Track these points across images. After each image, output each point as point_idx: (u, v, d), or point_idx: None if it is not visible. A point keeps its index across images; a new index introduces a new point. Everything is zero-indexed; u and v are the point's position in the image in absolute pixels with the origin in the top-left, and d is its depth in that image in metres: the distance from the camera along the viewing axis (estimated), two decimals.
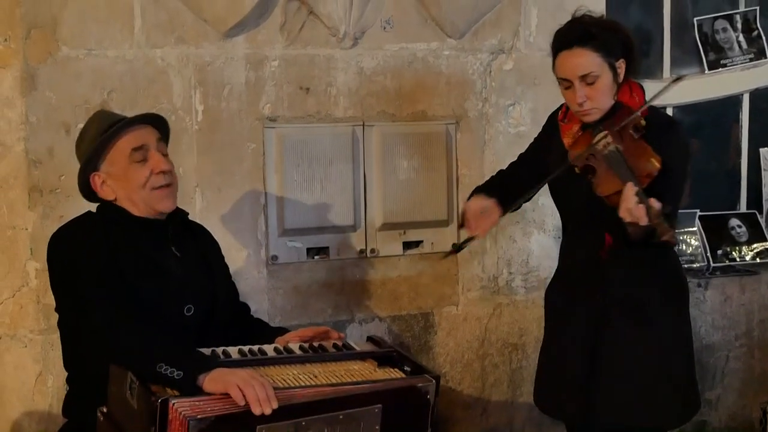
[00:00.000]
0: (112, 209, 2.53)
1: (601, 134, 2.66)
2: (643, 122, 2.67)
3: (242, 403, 2.10)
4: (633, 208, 2.44)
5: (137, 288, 2.39)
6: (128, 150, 2.48)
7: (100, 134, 2.49)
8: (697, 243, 4.32)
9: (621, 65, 2.70)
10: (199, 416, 2.04)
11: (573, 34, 2.69)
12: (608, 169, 2.62)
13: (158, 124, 2.60)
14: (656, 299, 2.76)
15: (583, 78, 2.66)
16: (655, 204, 2.43)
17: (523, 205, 2.99)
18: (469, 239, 2.83)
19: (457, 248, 2.94)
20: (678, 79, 2.73)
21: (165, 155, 2.55)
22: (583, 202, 2.70)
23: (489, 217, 2.79)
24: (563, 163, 2.72)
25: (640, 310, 2.75)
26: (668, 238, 2.42)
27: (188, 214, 2.69)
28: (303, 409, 2.15)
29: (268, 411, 2.09)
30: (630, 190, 2.47)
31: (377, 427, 2.23)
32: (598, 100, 2.69)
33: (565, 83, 2.71)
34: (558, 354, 2.91)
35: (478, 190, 2.93)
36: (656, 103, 2.77)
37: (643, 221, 2.43)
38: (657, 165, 2.58)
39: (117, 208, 2.52)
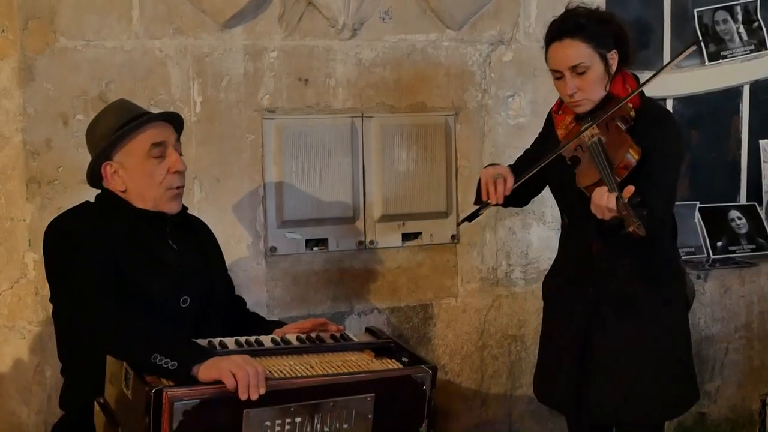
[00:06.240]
0: (112, 199, 2.52)
1: (587, 125, 2.67)
2: (632, 113, 2.66)
3: (234, 389, 2.10)
4: (603, 201, 2.44)
5: (133, 279, 2.39)
6: (148, 144, 2.48)
7: (120, 124, 2.48)
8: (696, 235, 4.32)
9: (613, 56, 2.70)
10: (184, 398, 2.04)
11: (564, 26, 2.70)
12: (590, 160, 2.61)
13: (177, 124, 2.60)
14: (648, 292, 2.75)
15: (573, 69, 2.66)
16: (626, 194, 2.41)
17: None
18: (485, 206, 2.77)
19: (473, 215, 2.83)
20: (689, 47, 2.70)
21: (181, 155, 2.55)
22: (575, 194, 2.69)
23: (503, 183, 2.75)
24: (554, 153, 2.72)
25: (631, 302, 2.74)
26: (634, 229, 2.38)
27: (186, 208, 2.68)
28: (292, 395, 2.15)
29: (254, 396, 2.09)
30: (602, 186, 2.48)
31: (369, 416, 2.23)
32: (589, 90, 2.68)
33: (557, 74, 2.72)
34: (553, 346, 2.91)
35: None
36: (656, 94, 2.75)
37: (609, 214, 2.43)
38: (635, 156, 2.57)
39: (117, 199, 2.51)
